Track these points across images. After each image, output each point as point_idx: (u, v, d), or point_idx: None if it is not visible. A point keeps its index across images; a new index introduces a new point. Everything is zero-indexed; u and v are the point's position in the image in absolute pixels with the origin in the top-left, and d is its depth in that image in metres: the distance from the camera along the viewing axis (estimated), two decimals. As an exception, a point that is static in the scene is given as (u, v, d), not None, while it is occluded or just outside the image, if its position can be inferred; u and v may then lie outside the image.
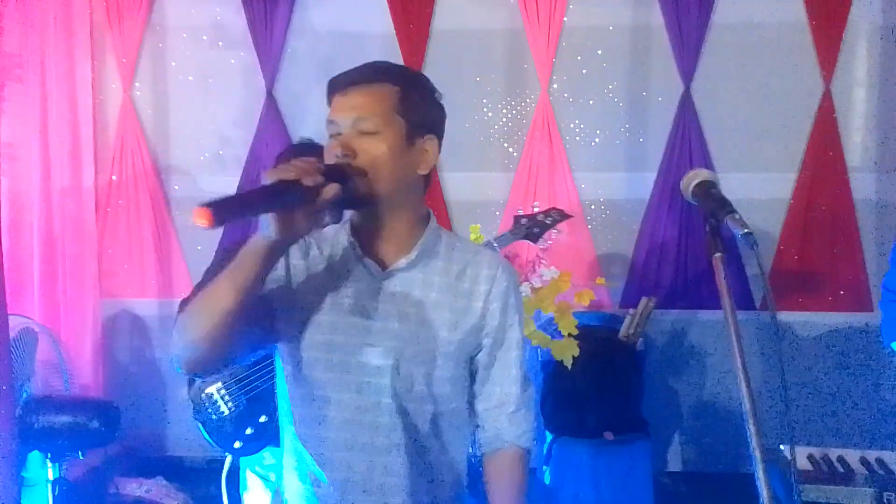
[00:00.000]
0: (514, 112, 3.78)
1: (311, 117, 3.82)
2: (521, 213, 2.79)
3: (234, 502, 2.49)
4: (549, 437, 3.29)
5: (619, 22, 3.73)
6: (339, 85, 1.38)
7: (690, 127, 3.66)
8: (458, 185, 3.72)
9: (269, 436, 2.31)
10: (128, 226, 3.87)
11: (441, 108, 1.45)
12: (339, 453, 1.38)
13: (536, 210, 2.81)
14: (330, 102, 1.39)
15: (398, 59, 3.69)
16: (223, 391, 2.32)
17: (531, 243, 2.77)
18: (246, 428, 2.30)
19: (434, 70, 3.61)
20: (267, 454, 2.37)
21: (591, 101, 3.77)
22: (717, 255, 1.22)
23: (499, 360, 1.47)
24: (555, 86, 3.74)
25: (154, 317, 3.89)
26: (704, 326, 3.72)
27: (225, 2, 3.79)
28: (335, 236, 1.43)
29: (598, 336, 3.35)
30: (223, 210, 1.06)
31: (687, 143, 3.67)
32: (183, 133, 3.91)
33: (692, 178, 1.31)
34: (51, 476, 2.93)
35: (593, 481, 3.15)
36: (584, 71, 3.76)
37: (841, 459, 2.31)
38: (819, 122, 3.65)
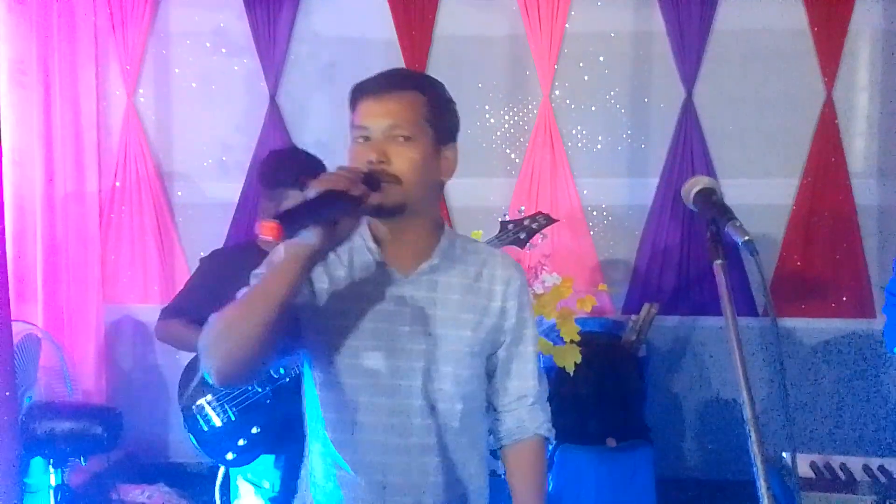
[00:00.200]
0: (515, 118, 3.79)
1: (313, 123, 3.84)
2: (507, 217, 2.78)
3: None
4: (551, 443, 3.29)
5: (620, 28, 3.74)
6: (370, 90, 1.37)
7: (692, 133, 3.67)
8: (460, 190, 3.73)
9: (261, 446, 2.31)
10: (131, 232, 3.89)
11: (458, 116, 1.47)
12: (374, 457, 1.40)
13: (522, 215, 2.80)
14: (355, 107, 1.38)
15: (401, 65, 3.70)
16: (214, 403, 2.32)
17: (518, 248, 2.77)
18: (238, 439, 2.29)
19: (436, 76, 3.59)
20: (259, 461, 2.36)
21: (592, 108, 3.78)
22: (719, 262, 1.22)
23: (517, 356, 1.52)
24: (556, 92, 3.75)
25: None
26: (706, 333, 3.72)
27: (228, 8, 3.81)
28: (352, 241, 1.44)
29: (600, 342, 3.34)
30: (289, 223, 1.09)
31: (689, 149, 3.67)
32: (186, 139, 3.92)
33: (693, 186, 1.32)
34: (53, 482, 2.93)
35: (596, 488, 3.14)
36: (585, 77, 3.76)
37: (843, 467, 2.30)
38: (821, 128, 3.65)
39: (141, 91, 3.89)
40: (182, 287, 2.48)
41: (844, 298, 3.72)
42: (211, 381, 1.31)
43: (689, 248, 3.68)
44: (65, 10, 3.65)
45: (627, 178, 3.81)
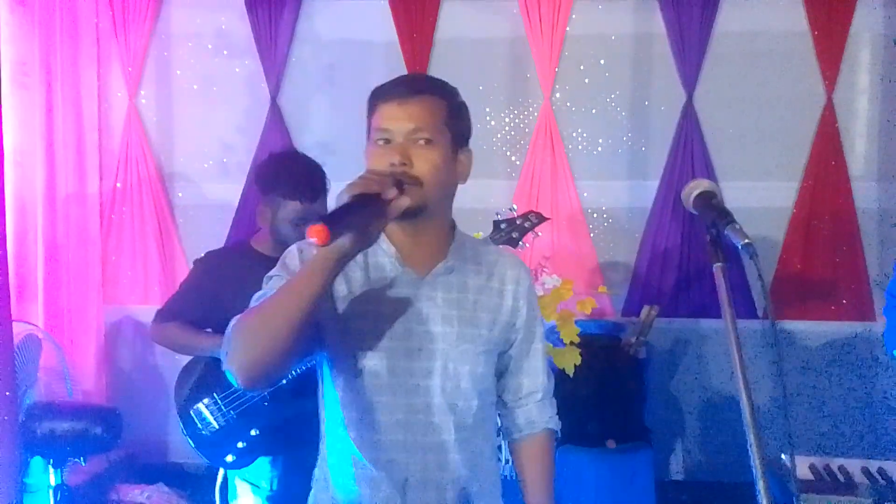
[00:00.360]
0: (516, 120, 3.79)
1: (314, 125, 3.85)
2: (499, 217, 2.78)
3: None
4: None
5: (621, 31, 3.74)
6: (392, 94, 1.39)
7: (693, 135, 3.67)
8: (460, 192, 3.69)
9: (260, 448, 2.31)
10: (132, 233, 3.89)
11: (471, 122, 1.51)
12: (395, 455, 1.42)
13: (514, 214, 2.79)
14: (374, 111, 1.40)
15: (402, 68, 3.71)
16: (212, 406, 2.31)
17: (511, 248, 2.76)
18: (238, 442, 2.29)
19: (437, 78, 3.62)
20: (257, 460, 2.36)
21: (593, 110, 3.78)
22: (718, 265, 1.23)
23: (528, 354, 1.58)
24: (557, 94, 3.76)
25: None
26: (706, 335, 3.72)
27: (230, 10, 3.81)
28: None
29: (600, 344, 3.35)
30: (335, 225, 1.11)
31: (689, 151, 3.68)
32: (187, 140, 3.93)
33: (693, 189, 1.33)
34: (53, 482, 2.93)
35: (595, 490, 3.14)
36: (586, 80, 3.77)
37: (842, 469, 2.31)
38: (821, 130, 3.66)
39: (142, 92, 3.90)
40: (177, 289, 2.47)
41: (844, 301, 3.72)
42: (236, 384, 1.32)
43: (690, 251, 3.68)
44: (67, 11, 3.66)
45: (628, 180, 3.81)
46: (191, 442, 2.34)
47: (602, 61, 3.76)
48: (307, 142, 3.72)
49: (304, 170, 2.29)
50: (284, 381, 2.21)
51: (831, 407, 3.68)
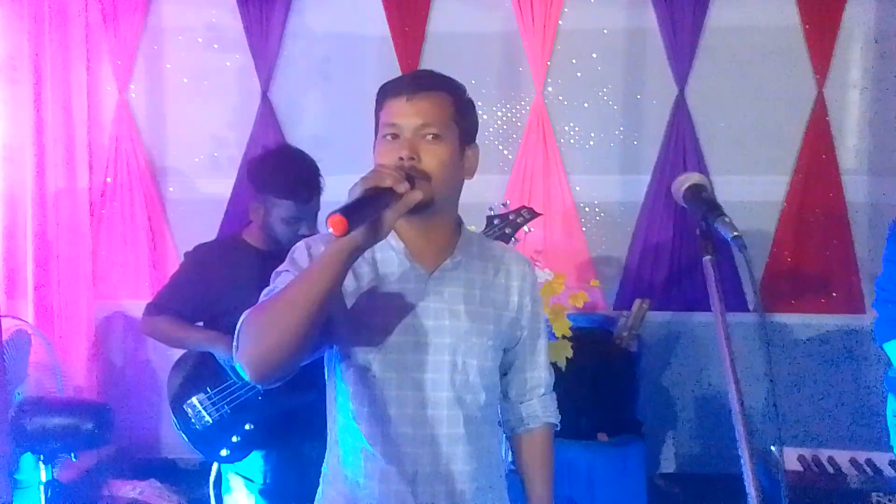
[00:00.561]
0: (508, 115, 3.79)
1: (306, 119, 3.84)
2: (492, 212, 2.79)
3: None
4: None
5: (613, 25, 3.75)
6: (400, 90, 1.40)
7: (684, 130, 3.68)
8: (452, 187, 3.72)
9: (255, 443, 2.30)
10: (122, 227, 3.88)
11: (478, 118, 1.54)
12: (405, 448, 1.43)
13: (507, 209, 2.80)
14: (383, 106, 1.42)
15: (393, 62, 3.70)
16: (206, 401, 2.31)
17: (503, 243, 2.76)
18: (232, 436, 2.29)
19: (429, 72, 3.62)
20: (251, 454, 2.36)
21: (585, 104, 3.79)
22: (708, 257, 1.23)
23: (533, 349, 1.60)
24: (549, 88, 3.76)
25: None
26: (698, 328, 3.74)
27: (220, 4, 3.80)
28: None
29: (592, 338, 3.36)
30: (353, 216, 1.12)
31: (681, 145, 3.68)
32: (178, 135, 3.91)
33: (683, 182, 1.33)
34: (43, 478, 2.92)
35: (587, 482, 3.15)
36: (578, 74, 3.77)
37: (831, 460, 2.32)
38: (812, 125, 3.67)
39: (133, 87, 3.88)
40: (168, 282, 2.46)
41: (835, 294, 3.75)
42: (246, 377, 1.32)
43: (681, 244, 3.70)
44: (57, 5, 3.63)
45: (620, 174, 3.82)
46: (184, 437, 2.33)
47: (594, 55, 3.77)
48: (298, 136, 3.71)
49: (298, 168, 2.28)
50: None
51: (821, 399, 3.71)
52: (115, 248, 3.90)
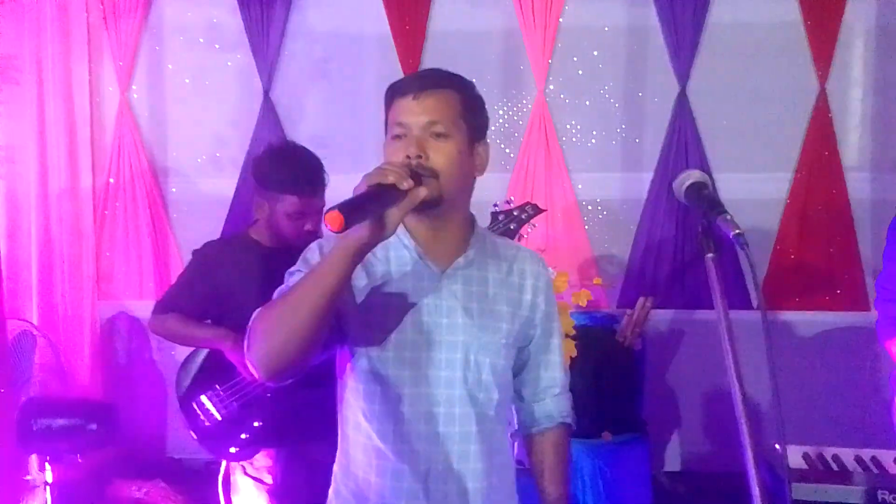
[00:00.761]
0: (510, 113, 3.79)
1: (307, 118, 3.83)
2: (497, 208, 2.79)
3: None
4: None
5: (614, 23, 3.74)
6: (407, 89, 1.42)
7: (686, 127, 3.67)
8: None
9: (263, 440, 2.31)
10: (125, 228, 3.88)
11: (488, 115, 1.55)
12: (418, 446, 1.43)
13: (512, 205, 2.81)
14: (391, 105, 1.43)
15: (394, 61, 3.70)
16: (215, 398, 2.31)
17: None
18: (241, 433, 2.29)
19: (430, 71, 3.61)
20: (259, 455, 2.36)
21: (587, 102, 3.78)
22: (710, 255, 1.24)
23: (547, 349, 1.60)
24: (551, 87, 3.75)
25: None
26: (702, 326, 3.72)
27: (221, 4, 3.79)
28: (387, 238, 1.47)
29: (595, 336, 3.34)
30: (350, 212, 1.13)
31: (683, 143, 3.68)
32: (180, 135, 3.91)
33: (684, 180, 1.33)
34: (49, 478, 2.93)
35: (591, 481, 3.15)
36: (580, 72, 3.76)
37: (836, 458, 2.32)
38: (815, 121, 3.66)
39: (134, 87, 3.88)
40: (175, 280, 2.47)
41: (838, 291, 3.73)
42: (257, 376, 1.33)
43: (684, 242, 3.69)
44: (57, 5, 3.64)
45: (622, 172, 3.81)
46: (193, 434, 2.33)
47: (595, 53, 3.76)
48: (300, 135, 3.71)
49: (302, 164, 2.28)
50: None
51: (825, 396, 3.69)
52: (118, 248, 3.90)
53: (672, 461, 3.84)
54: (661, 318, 3.71)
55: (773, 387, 1.19)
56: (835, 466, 2.30)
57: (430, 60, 3.71)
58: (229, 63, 3.86)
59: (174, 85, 3.89)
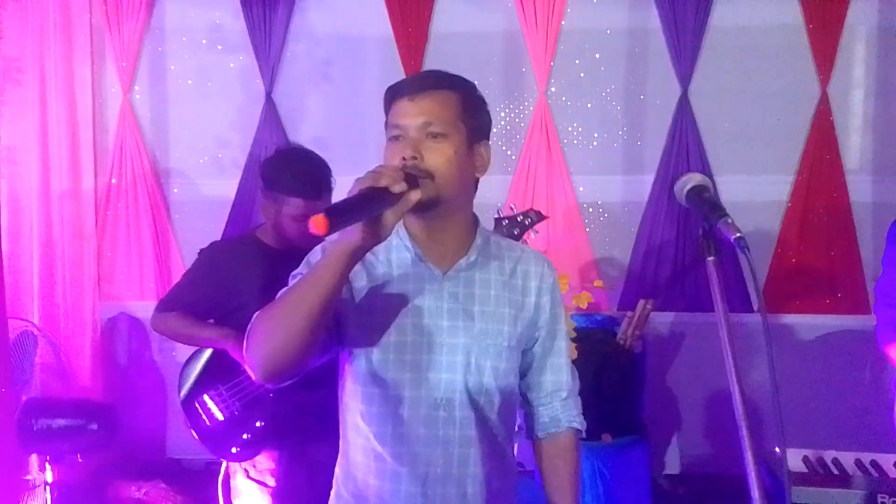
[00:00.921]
0: (512, 115, 3.79)
1: (309, 120, 3.83)
2: (500, 214, 2.80)
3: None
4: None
5: (616, 25, 3.74)
6: (404, 91, 1.41)
7: (688, 130, 3.67)
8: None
9: (265, 440, 2.30)
10: (127, 229, 3.88)
11: (490, 115, 1.53)
12: (417, 449, 1.43)
13: (515, 211, 2.82)
14: (389, 108, 1.43)
15: (397, 62, 3.70)
16: (217, 398, 2.31)
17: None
18: (243, 433, 2.29)
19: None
20: (262, 458, 2.36)
21: (588, 104, 3.78)
22: (711, 258, 1.24)
23: (551, 351, 1.57)
24: (553, 89, 3.75)
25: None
26: (702, 329, 3.72)
27: (224, 5, 3.80)
28: (389, 240, 1.45)
29: (595, 338, 3.35)
30: (337, 217, 1.12)
31: (684, 145, 3.68)
32: (182, 136, 3.92)
33: (685, 183, 1.33)
34: (49, 478, 2.93)
35: (591, 484, 3.15)
36: (581, 74, 3.77)
37: (836, 461, 2.32)
38: (816, 124, 3.66)
39: (137, 88, 3.89)
40: (180, 278, 2.47)
41: (839, 295, 3.73)
42: (254, 377, 1.34)
43: (685, 245, 3.69)
44: (60, 7, 3.65)
45: (623, 174, 3.81)
46: (194, 434, 2.33)
47: (597, 55, 3.76)
48: (302, 137, 3.71)
49: (308, 167, 2.29)
50: None
51: (825, 400, 3.69)
52: (119, 249, 3.90)
53: (672, 464, 3.83)
54: (662, 320, 3.71)
55: (773, 390, 1.19)
56: (835, 470, 2.30)
57: (431, 62, 3.71)
58: (231, 64, 3.86)
59: (176, 86, 3.90)
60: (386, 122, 1.44)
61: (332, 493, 1.54)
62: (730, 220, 1.21)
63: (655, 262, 3.73)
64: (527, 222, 2.77)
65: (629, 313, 3.44)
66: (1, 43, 3.43)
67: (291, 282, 1.42)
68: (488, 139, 1.51)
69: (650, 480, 3.28)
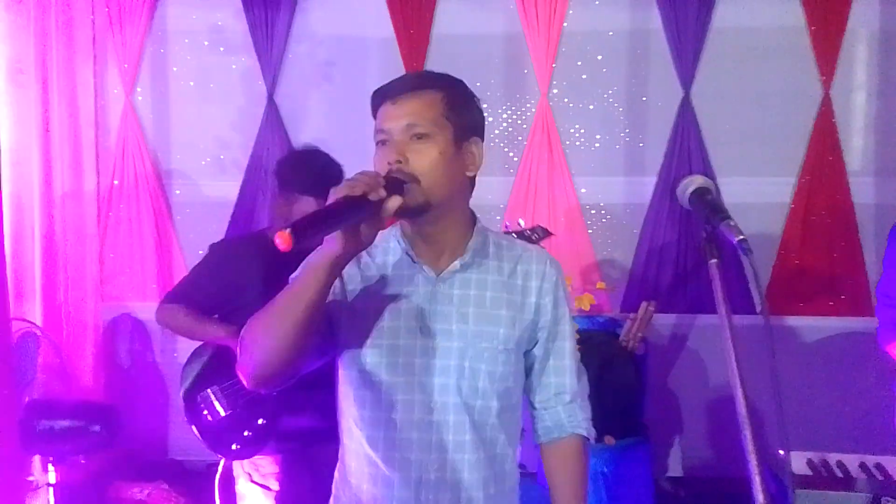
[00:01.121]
0: (514, 117, 3.79)
1: (311, 122, 3.84)
2: (508, 230, 2.84)
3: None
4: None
5: (618, 27, 3.74)
6: (386, 94, 1.40)
7: (690, 131, 3.67)
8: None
9: (266, 439, 2.30)
10: (129, 230, 3.89)
11: (481, 111, 1.50)
12: (409, 454, 1.41)
13: (522, 226, 2.85)
14: (375, 113, 1.42)
15: (398, 64, 3.70)
16: (220, 394, 2.31)
17: None
18: (244, 431, 2.29)
19: (434, 75, 3.61)
20: (266, 461, 2.35)
21: (590, 106, 3.78)
22: (713, 261, 1.23)
23: (553, 353, 1.52)
24: (555, 90, 3.75)
25: (155, 320, 3.90)
26: (704, 331, 3.72)
27: (226, 7, 3.80)
28: (385, 241, 1.47)
29: (598, 340, 3.34)
30: (302, 232, 1.11)
31: (686, 147, 3.67)
32: (184, 138, 3.92)
33: (688, 185, 1.33)
34: (52, 479, 2.93)
35: (593, 486, 3.14)
36: (583, 76, 3.76)
37: (840, 464, 2.31)
38: (818, 126, 3.65)
39: (139, 89, 3.89)
40: (189, 272, 2.48)
41: (842, 296, 3.72)
42: (246, 384, 1.34)
43: (687, 247, 3.68)
44: (63, 8, 3.65)
45: (625, 176, 3.81)
46: (195, 429, 2.32)
47: (599, 57, 3.76)
48: (304, 138, 3.71)
49: (322, 166, 2.31)
50: None
51: (829, 402, 3.68)
52: (121, 250, 3.90)
53: (674, 466, 3.83)
54: (664, 322, 3.70)
55: (776, 392, 1.19)
56: (839, 473, 2.29)
57: (433, 64, 3.71)
58: (233, 66, 3.86)
59: (178, 88, 3.90)
60: (374, 128, 1.43)
61: (331, 497, 1.54)
62: (732, 223, 1.20)
63: (657, 264, 3.73)
64: (534, 237, 2.82)
65: (631, 315, 3.44)
66: (3, 44, 3.44)
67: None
68: (481, 136, 1.48)
69: (652, 483, 3.27)
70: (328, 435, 1.72)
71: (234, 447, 2.30)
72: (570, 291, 3.14)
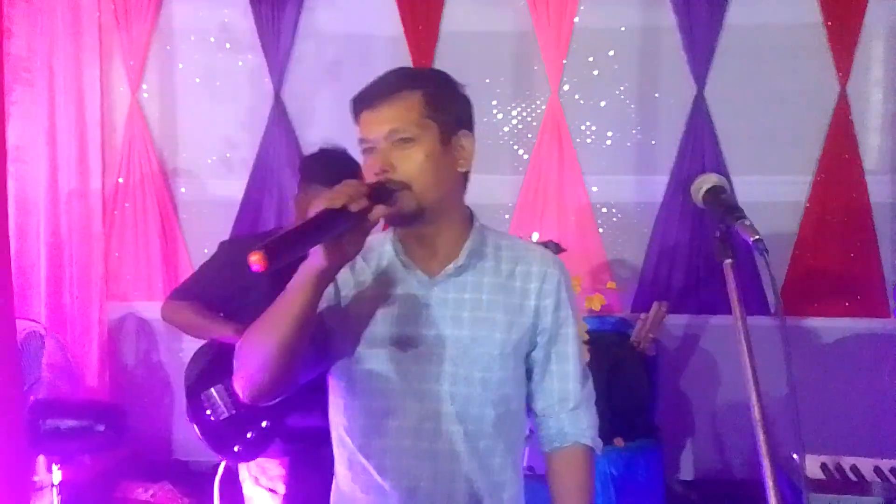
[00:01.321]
0: (524, 114, 3.75)
1: (318, 120, 3.82)
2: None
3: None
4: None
5: (630, 23, 3.70)
6: (364, 101, 1.35)
7: (703, 129, 3.62)
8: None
9: (269, 441, 2.27)
10: (135, 229, 3.88)
11: (467, 101, 1.43)
12: (402, 462, 1.38)
13: (536, 241, 2.82)
14: (357, 121, 1.37)
15: (407, 61, 3.67)
16: (224, 393, 2.28)
17: None
18: (247, 432, 2.26)
19: (443, 72, 3.59)
20: (273, 464, 2.33)
21: (602, 103, 3.74)
22: (728, 261, 1.21)
23: (555, 357, 1.46)
24: (565, 87, 3.71)
25: (160, 320, 3.88)
26: (717, 332, 3.68)
27: (232, 4, 3.79)
28: (380, 246, 1.43)
29: (609, 341, 3.31)
30: (276, 251, 1.07)
31: (700, 145, 3.63)
32: (190, 136, 3.91)
33: (702, 184, 1.30)
34: (57, 479, 2.92)
35: (604, 488, 3.11)
36: (595, 72, 3.72)
37: (854, 468, 2.27)
38: (835, 124, 3.60)
39: (145, 87, 3.88)
40: (197, 269, 2.47)
41: (859, 297, 3.67)
42: (242, 397, 1.33)
43: (700, 246, 3.64)
44: (69, 6, 3.65)
45: (637, 175, 3.77)
46: (196, 429, 2.29)
47: (611, 53, 3.72)
48: (311, 137, 3.70)
49: (347, 163, 2.28)
50: None
51: (844, 405, 3.62)
52: (127, 249, 3.90)
53: (686, 469, 3.78)
54: (676, 323, 3.66)
55: (790, 394, 1.17)
56: (853, 477, 2.25)
57: (442, 61, 3.68)
58: (240, 64, 3.85)
59: (185, 85, 3.89)
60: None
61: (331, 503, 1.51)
62: (748, 222, 1.18)
63: (669, 264, 3.69)
64: None
65: (643, 315, 3.39)
66: (9, 42, 3.43)
67: None
68: (470, 128, 1.41)
69: (663, 486, 3.23)
70: (330, 437, 1.69)
71: (235, 448, 2.27)
72: (581, 291, 3.10)
